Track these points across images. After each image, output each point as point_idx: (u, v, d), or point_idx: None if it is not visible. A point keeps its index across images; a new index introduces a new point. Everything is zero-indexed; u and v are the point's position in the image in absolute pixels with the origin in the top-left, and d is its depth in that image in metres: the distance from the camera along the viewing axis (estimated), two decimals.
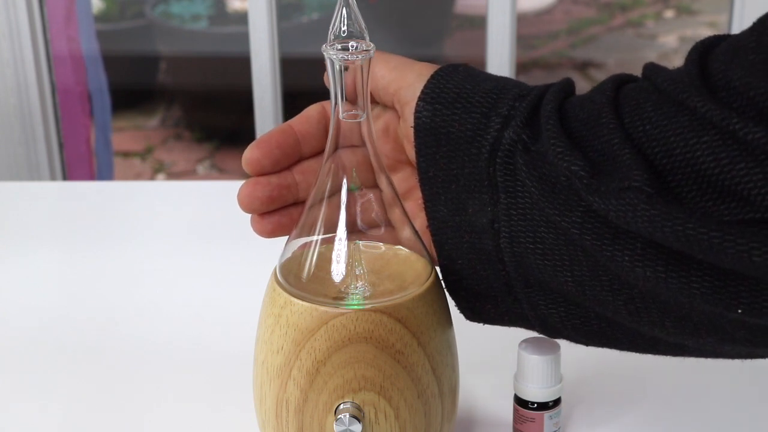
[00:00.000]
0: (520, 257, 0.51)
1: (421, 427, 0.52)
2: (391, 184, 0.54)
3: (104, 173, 1.81)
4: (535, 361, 0.59)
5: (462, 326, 0.57)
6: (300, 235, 0.54)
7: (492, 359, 0.70)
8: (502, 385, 0.65)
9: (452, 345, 0.55)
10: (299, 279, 0.53)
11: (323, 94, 0.56)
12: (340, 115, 0.52)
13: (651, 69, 0.50)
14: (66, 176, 1.76)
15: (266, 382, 0.53)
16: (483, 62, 1.62)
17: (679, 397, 0.67)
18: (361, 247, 0.54)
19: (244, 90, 1.73)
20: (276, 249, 0.55)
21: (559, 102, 0.51)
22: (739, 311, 0.44)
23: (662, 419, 0.65)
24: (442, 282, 0.55)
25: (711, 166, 0.44)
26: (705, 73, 0.46)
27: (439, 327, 0.53)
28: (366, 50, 0.51)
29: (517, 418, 0.61)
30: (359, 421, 0.50)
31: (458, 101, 0.53)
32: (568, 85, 0.53)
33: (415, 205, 0.57)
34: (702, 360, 0.52)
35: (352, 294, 0.52)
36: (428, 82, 0.54)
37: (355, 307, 0.51)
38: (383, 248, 0.55)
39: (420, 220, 0.56)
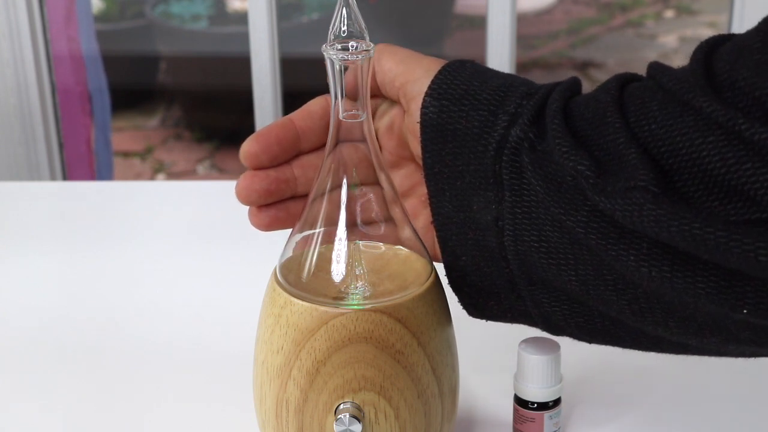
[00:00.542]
0: (524, 255, 0.51)
1: (421, 427, 0.52)
2: (391, 183, 0.54)
3: (104, 173, 1.81)
4: (535, 361, 0.59)
5: (462, 326, 0.57)
6: (302, 230, 0.54)
7: (492, 359, 0.70)
8: (502, 385, 0.65)
9: (452, 345, 0.55)
10: (299, 279, 0.53)
11: (323, 95, 0.56)
12: (340, 115, 0.52)
13: (656, 68, 0.49)
14: (66, 176, 1.76)
15: (266, 382, 0.53)
16: (483, 62, 1.61)
17: (679, 397, 0.67)
18: (361, 247, 0.54)
19: (244, 90, 1.73)
20: (276, 249, 0.55)
21: (565, 101, 0.51)
22: (745, 312, 0.44)
23: (662, 419, 0.65)
24: (446, 277, 0.55)
25: (717, 166, 0.44)
26: (710, 73, 0.46)
27: (439, 327, 0.53)
28: (366, 50, 0.51)
29: (517, 418, 0.61)
30: (359, 421, 0.50)
31: (466, 98, 0.52)
32: (574, 84, 0.53)
33: (417, 202, 0.57)
34: (703, 360, 0.52)
35: (352, 294, 0.52)
36: (436, 77, 0.54)
37: (355, 307, 0.51)
38: (383, 248, 0.54)
39: (423, 218, 0.56)
